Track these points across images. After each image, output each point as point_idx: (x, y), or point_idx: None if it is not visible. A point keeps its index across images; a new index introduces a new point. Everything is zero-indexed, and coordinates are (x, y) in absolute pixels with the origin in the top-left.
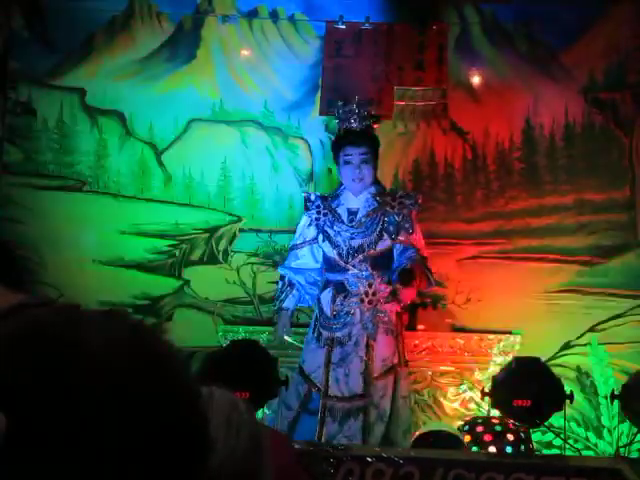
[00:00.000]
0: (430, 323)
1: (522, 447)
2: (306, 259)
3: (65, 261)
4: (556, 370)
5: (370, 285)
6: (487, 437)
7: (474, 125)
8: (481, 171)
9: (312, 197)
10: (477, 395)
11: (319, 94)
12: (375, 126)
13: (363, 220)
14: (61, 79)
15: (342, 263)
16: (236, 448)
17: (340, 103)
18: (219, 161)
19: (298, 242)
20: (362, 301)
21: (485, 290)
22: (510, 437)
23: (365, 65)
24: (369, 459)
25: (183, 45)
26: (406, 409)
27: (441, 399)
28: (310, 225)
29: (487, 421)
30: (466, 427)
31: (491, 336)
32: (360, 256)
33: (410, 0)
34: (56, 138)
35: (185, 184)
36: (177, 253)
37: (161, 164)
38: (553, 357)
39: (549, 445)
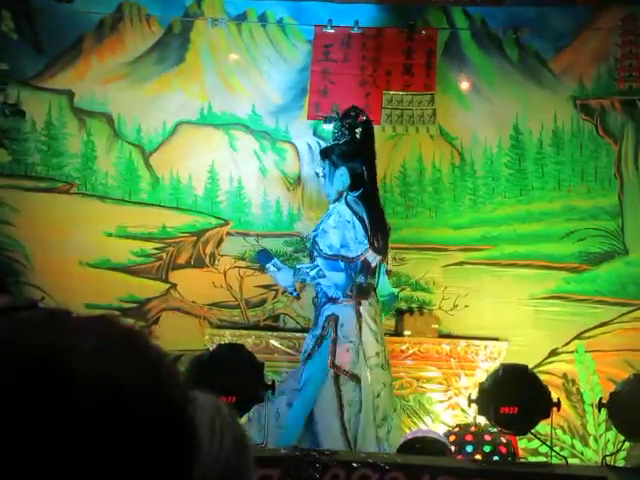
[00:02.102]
0: (416, 329)
1: (508, 454)
2: None
3: (52, 263)
4: (542, 377)
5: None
6: (473, 444)
7: (462, 130)
8: (469, 177)
9: None
10: (463, 401)
11: (307, 98)
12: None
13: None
14: (50, 81)
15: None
16: (221, 453)
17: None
18: (207, 164)
19: None
20: (313, 304)
21: (472, 296)
22: (496, 444)
23: (353, 69)
24: (355, 465)
25: (172, 48)
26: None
27: (427, 405)
28: None
29: (473, 428)
30: (452, 433)
31: (478, 342)
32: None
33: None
34: (44, 140)
35: (172, 187)
36: (164, 256)
37: (149, 167)
38: (540, 364)
39: (535, 452)
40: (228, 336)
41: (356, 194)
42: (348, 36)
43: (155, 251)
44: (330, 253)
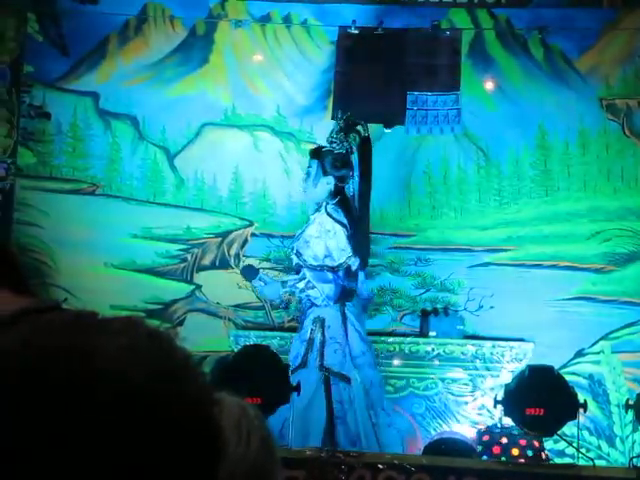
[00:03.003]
0: (442, 330)
1: (534, 456)
2: None
3: (78, 264)
4: (568, 378)
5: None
6: (498, 445)
7: (487, 131)
8: (494, 177)
9: None
10: (489, 403)
11: (331, 99)
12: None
13: None
14: (75, 83)
15: None
16: (247, 454)
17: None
18: (231, 165)
19: None
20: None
21: (497, 297)
22: (522, 445)
23: (377, 70)
24: (380, 466)
25: (196, 49)
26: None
27: (452, 406)
28: None
29: (499, 430)
30: (478, 435)
31: (503, 343)
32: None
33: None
34: (69, 141)
35: (197, 188)
36: (189, 257)
37: (173, 168)
38: (565, 365)
39: (561, 454)
40: (253, 337)
41: (334, 201)
42: (372, 37)
43: (180, 252)
44: (315, 264)
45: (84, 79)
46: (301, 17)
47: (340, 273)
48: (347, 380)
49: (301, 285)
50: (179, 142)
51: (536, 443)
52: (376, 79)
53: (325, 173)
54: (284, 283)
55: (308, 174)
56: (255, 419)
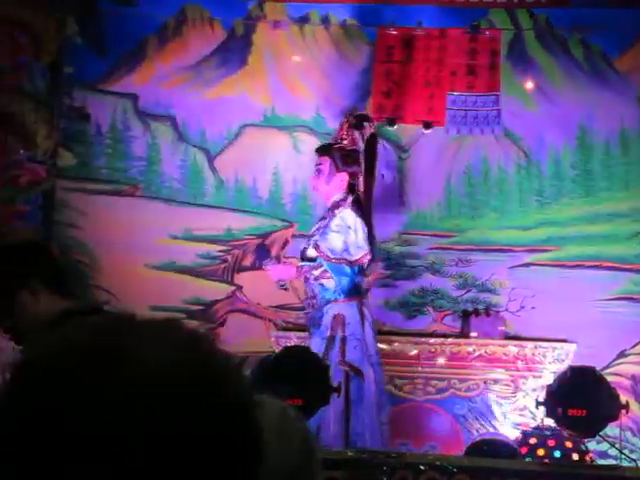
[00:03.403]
0: (483, 331)
1: (577, 457)
2: None
3: (118, 265)
4: (611, 379)
5: (312, 289)
6: (541, 446)
7: (528, 131)
8: (535, 177)
9: None
10: (531, 404)
11: (371, 100)
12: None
13: (320, 226)
14: (114, 84)
15: None
16: (287, 457)
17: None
18: (271, 167)
19: None
20: (309, 305)
21: (539, 298)
22: (564, 446)
23: (417, 70)
24: (422, 467)
25: (235, 51)
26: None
27: (494, 407)
28: None
29: (541, 430)
30: (520, 436)
31: (545, 344)
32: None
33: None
34: (109, 143)
35: (237, 189)
36: (229, 258)
37: (213, 169)
38: (608, 366)
39: (604, 455)
40: (294, 338)
41: (352, 198)
42: (411, 37)
43: (220, 253)
44: (333, 257)
45: (123, 81)
46: (340, 18)
47: (355, 269)
48: (362, 376)
49: (316, 272)
50: (219, 143)
51: (580, 445)
52: (415, 80)
53: (338, 170)
54: (299, 267)
55: (320, 171)
56: (295, 421)
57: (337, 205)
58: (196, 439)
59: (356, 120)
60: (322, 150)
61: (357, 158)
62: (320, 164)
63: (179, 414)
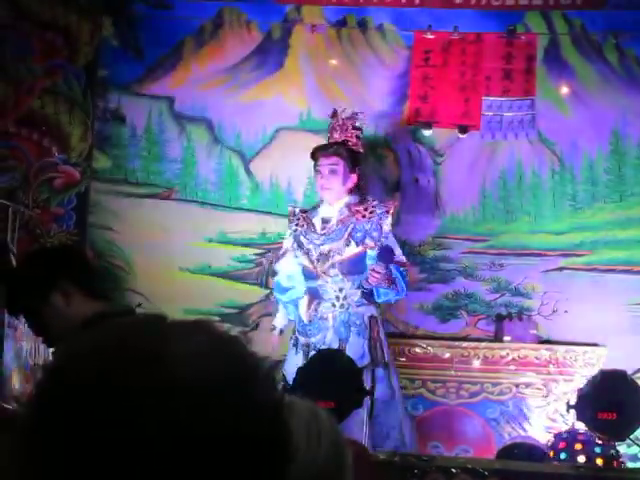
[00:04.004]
0: (516, 334)
1: (607, 460)
2: (292, 267)
3: (152, 268)
4: None
5: (341, 290)
6: (572, 450)
7: (561, 136)
8: (568, 182)
9: (296, 211)
10: (562, 407)
11: (407, 104)
12: (351, 139)
13: (334, 228)
14: (150, 87)
15: (313, 270)
16: (317, 457)
17: (332, 114)
18: (306, 170)
19: (280, 253)
20: (334, 306)
21: (571, 302)
22: (595, 450)
23: (453, 75)
24: (454, 470)
25: (271, 54)
26: (388, 410)
27: (526, 411)
28: (289, 237)
29: (572, 434)
30: (551, 440)
31: (577, 348)
32: (329, 262)
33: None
34: (145, 145)
35: (272, 193)
36: (264, 262)
37: (249, 172)
38: (639, 370)
39: (634, 458)
40: None
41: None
42: (448, 42)
43: (255, 257)
44: (400, 260)
45: (159, 83)
46: (376, 21)
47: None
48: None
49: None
50: (254, 146)
51: (611, 448)
52: (451, 84)
53: (351, 171)
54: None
55: (335, 172)
56: (326, 422)
57: (364, 208)
58: (225, 441)
59: (357, 125)
60: (334, 150)
61: (361, 159)
62: (335, 164)
63: (208, 416)
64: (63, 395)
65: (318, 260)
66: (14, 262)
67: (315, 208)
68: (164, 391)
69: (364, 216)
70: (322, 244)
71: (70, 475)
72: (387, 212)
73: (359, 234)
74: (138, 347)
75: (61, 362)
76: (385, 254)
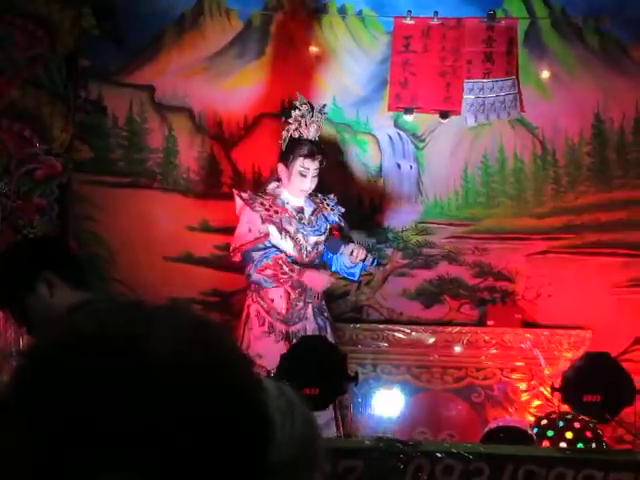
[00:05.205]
0: (500, 319)
1: (592, 443)
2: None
3: (135, 258)
4: (627, 365)
5: None
6: (557, 433)
7: (543, 120)
8: (550, 166)
9: (247, 195)
10: (547, 391)
11: (388, 90)
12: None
13: (312, 219)
14: (131, 76)
15: (299, 260)
16: (293, 433)
17: (299, 103)
18: None
19: (259, 236)
20: (317, 297)
21: (555, 285)
22: (580, 432)
23: (433, 60)
24: (439, 455)
25: (252, 42)
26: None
27: (511, 395)
28: (266, 222)
29: (557, 417)
30: (536, 422)
31: (561, 331)
32: (313, 253)
33: None
34: (126, 135)
35: (255, 181)
36: None
37: (230, 160)
38: (624, 352)
39: (620, 440)
40: None
41: None
42: (428, 27)
43: None
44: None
45: (140, 72)
46: (356, 8)
47: None
48: None
49: None
50: (236, 134)
51: (596, 430)
52: (432, 69)
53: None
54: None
55: (316, 176)
56: (294, 397)
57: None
58: (206, 423)
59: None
60: (319, 154)
61: None
62: (318, 168)
63: (187, 398)
64: (42, 376)
65: (307, 251)
66: None
67: (276, 196)
68: (143, 373)
69: (326, 208)
70: (309, 235)
71: (52, 456)
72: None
73: (337, 226)
74: (117, 330)
75: (40, 344)
76: (337, 242)
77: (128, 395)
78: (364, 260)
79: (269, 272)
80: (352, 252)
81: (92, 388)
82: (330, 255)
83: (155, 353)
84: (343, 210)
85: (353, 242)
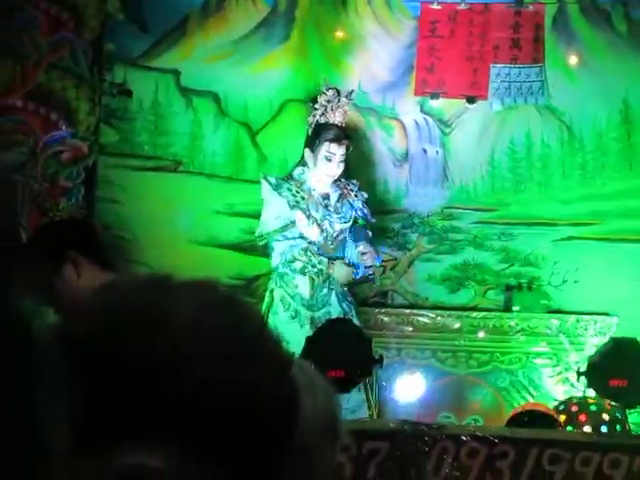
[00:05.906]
0: (525, 304)
1: (618, 427)
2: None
3: (160, 241)
4: None
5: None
6: (582, 417)
7: (571, 105)
8: (577, 151)
9: (274, 180)
10: (573, 376)
11: (414, 74)
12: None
13: (338, 205)
14: (156, 60)
15: (327, 248)
16: (316, 407)
17: (325, 89)
18: None
19: (286, 224)
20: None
21: (581, 271)
22: (606, 417)
23: (460, 45)
24: (464, 438)
25: (277, 26)
26: None
27: (536, 380)
28: (294, 208)
29: (583, 401)
30: (561, 406)
31: (587, 317)
32: (338, 241)
33: None
34: (151, 119)
35: (280, 165)
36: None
37: (256, 145)
38: None
39: None
40: None
41: None
42: (455, 12)
43: None
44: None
45: (165, 56)
46: None
47: None
48: None
49: None
50: (261, 119)
51: (622, 415)
52: (459, 54)
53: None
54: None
55: (343, 161)
56: (311, 370)
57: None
58: (235, 399)
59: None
60: (345, 139)
61: None
62: (344, 154)
63: (215, 372)
64: (69, 346)
65: (332, 238)
66: (24, 236)
67: (302, 182)
68: (170, 346)
69: (350, 194)
70: (334, 222)
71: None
72: (360, 189)
73: (361, 213)
74: (144, 303)
75: (68, 316)
76: (361, 232)
77: (153, 371)
78: (368, 267)
79: (298, 264)
80: (363, 254)
81: (117, 364)
82: (349, 241)
83: (179, 331)
84: (366, 196)
85: (372, 242)
